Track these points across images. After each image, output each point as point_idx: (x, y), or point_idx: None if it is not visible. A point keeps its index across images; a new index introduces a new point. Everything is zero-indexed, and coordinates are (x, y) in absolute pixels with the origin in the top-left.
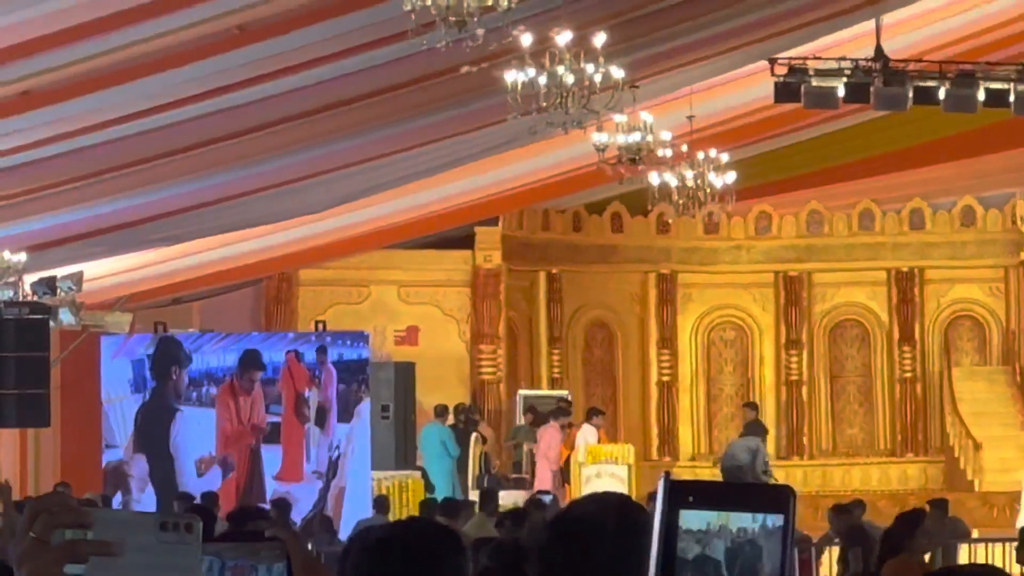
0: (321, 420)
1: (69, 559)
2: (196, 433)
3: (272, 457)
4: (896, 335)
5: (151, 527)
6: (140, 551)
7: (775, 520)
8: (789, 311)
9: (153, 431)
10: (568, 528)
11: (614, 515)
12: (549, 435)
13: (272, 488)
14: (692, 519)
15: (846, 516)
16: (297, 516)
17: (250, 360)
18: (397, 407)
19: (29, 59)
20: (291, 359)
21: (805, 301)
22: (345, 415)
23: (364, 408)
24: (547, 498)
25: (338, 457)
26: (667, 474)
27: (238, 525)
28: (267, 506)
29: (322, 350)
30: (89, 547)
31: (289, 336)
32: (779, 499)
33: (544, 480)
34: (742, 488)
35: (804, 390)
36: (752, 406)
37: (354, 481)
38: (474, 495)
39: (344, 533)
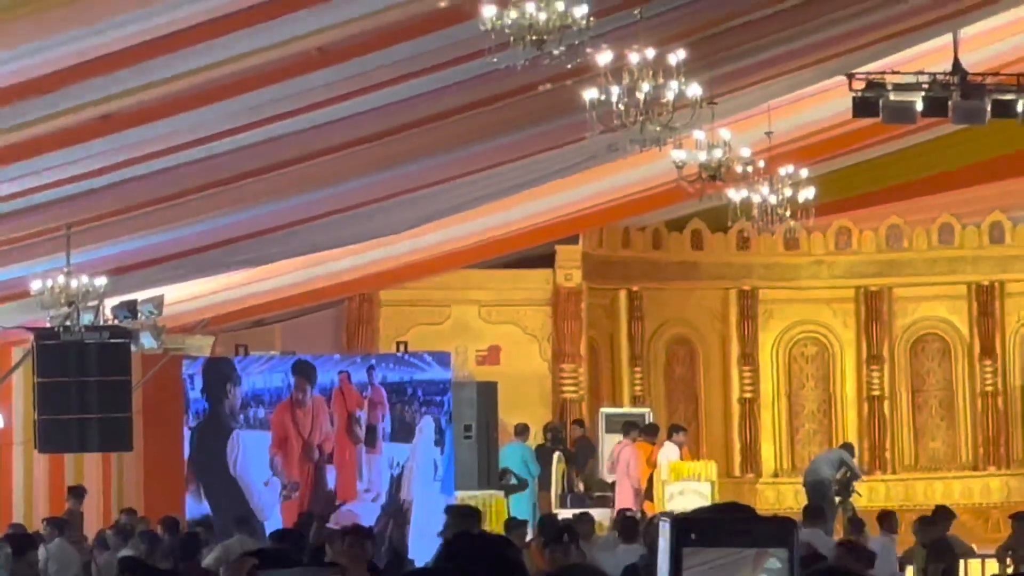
0: (371, 440)
1: None
2: (256, 455)
3: (328, 477)
4: (977, 349)
5: None
6: None
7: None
8: (870, 326)
9: (209, 454)
10: None
11: None
12: (626, 453)
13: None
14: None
15: (931, 528)
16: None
17: (301, 371)
18: (479, 427)
19: (107, 80)
20: (343, 379)
21: (886, 316)
22: (400, 435)
23: (425, 425)
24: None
25: (400, 474)
26: (669, 515)
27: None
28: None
29: (371, 370)
30: None
31: (336, 358)
32: (782, 533)
33: (626, 499)
34: (744, 522)
35: (886, 405)
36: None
37: (419, 497)
38: (560, 513)
39: (414, 546)
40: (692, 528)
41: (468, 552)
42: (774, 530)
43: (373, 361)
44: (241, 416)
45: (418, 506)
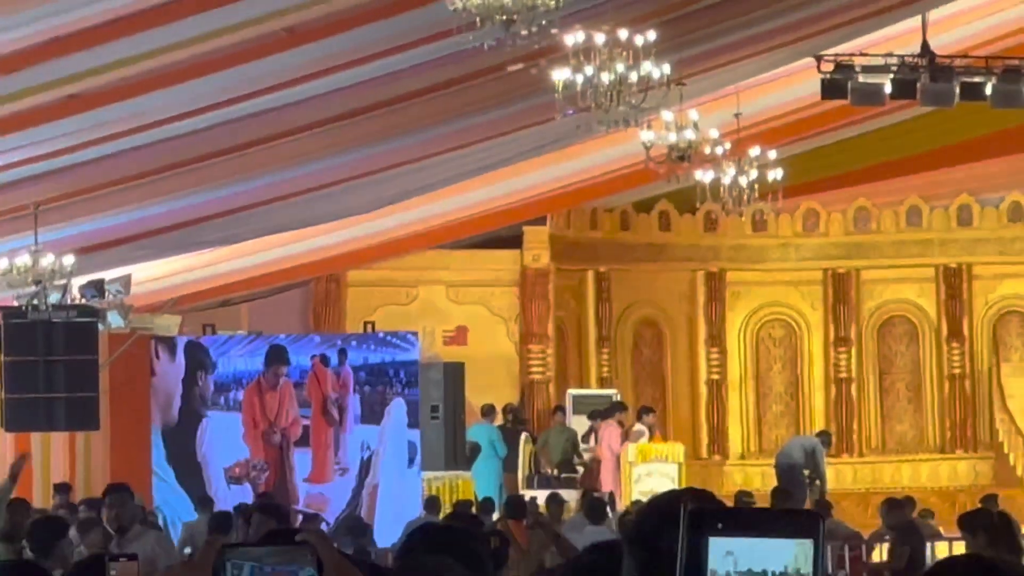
0: (342, 421)
1: None
2: (225, 439)
3: (303, 460)
4: (945, 331)
5: None
6: None
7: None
8: (838, 308)
9: (180, 438)
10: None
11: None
12: (609, 433)
13: (305, 490)
14: (720, 562)
15: (898, 511)
16: (330, 516)
17: (275, 355)
18: (446, 407)
19: (75, 59)
20: (316, 363)
21: (853, 298)
22: (371, 416)
23: (395, 407)
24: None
25: (369, 457)
26: (686, 504)
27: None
28: (300, 506)
29: (342, 352)
30: None
31: (316, 339)
32: (809, 525)
33: (607, 480)
34: (770, 514)
35: (853, 387)
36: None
37: (387, 480)
38: (527, 494)
39: (379, 531)
40: (717, 518)
41: (430, 543)
42: (801, 521)
43: (354, 342)
44: (221, 398)
45: (388, 488)
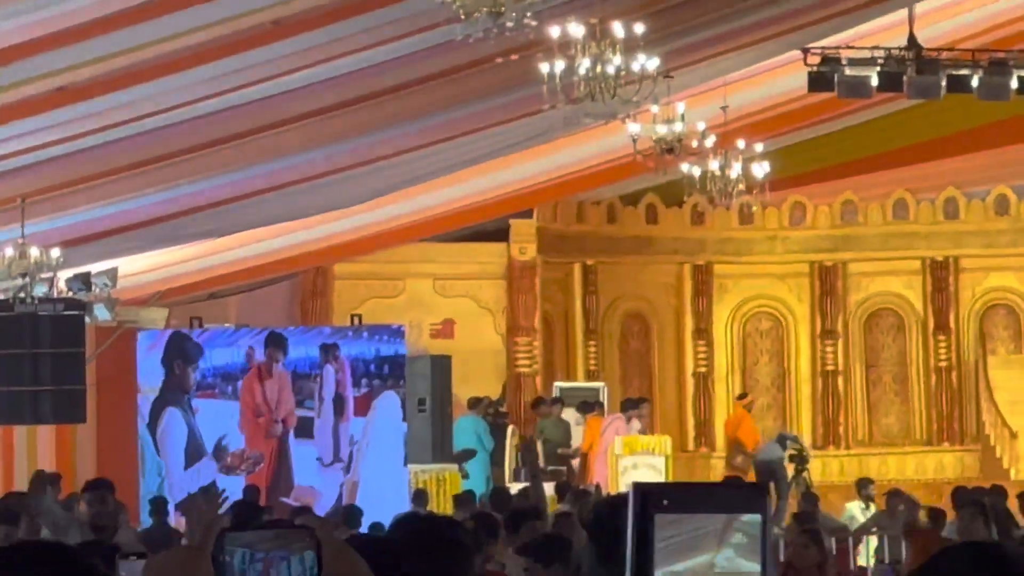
0: (340, 410)
1: None
2: (228, 428)
3: (300, 451)
4: (931, 324)
5: None
6: None
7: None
8: (824, 301)
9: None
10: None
11: None
12: (613, 429)
13: (296, 482)
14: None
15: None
16: (320, 509)
17: (273, 342)
18: (433, 400)
19: (63, 52)
20: (321, 354)
21: (840, 291)
22: (362, 410)
23: (382, 401)
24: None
25: (355, 451)
26: (636, 484)
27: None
28: (291, 501)
29: (335, 346)
30: None
31: (326, 331)
32: (755, 499)
33: (601, 473)
34: (715, 488)
35: (840, 380)
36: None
37: (370, 473)
38: (513, 487)
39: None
40: (663, 494)
41: (412, 533)
42: (746, 496)
43: (365, 334)
44: (229, 388)
45: (370, 482)
